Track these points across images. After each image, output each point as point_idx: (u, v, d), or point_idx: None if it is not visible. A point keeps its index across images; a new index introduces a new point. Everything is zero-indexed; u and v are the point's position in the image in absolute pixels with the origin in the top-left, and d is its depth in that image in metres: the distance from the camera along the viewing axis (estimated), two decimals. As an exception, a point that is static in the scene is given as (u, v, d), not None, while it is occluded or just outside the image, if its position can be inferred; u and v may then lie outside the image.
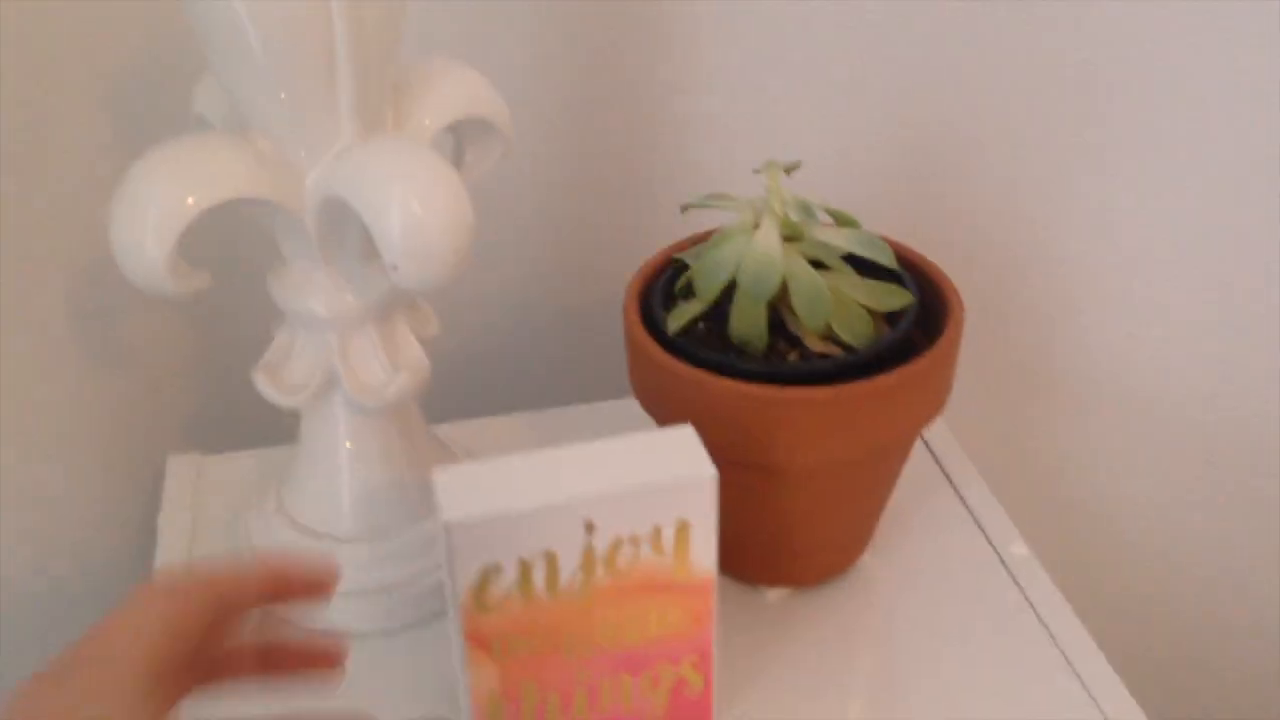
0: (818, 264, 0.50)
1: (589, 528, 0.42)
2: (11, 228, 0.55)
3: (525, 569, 0.42)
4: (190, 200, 0.40)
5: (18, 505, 0.60)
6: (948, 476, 0.62)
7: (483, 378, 0.69)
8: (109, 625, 0.34)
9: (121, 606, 0.35)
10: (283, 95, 0.42)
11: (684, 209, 0.52)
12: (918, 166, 0.67)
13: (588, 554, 0.42)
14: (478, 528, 0.41)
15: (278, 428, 0.54)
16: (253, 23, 0.40)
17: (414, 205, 0.42)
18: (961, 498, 0.60)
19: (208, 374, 0.62)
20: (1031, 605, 0.54)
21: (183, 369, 0.62)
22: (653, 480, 0.42)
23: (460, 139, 0.50)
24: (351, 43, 0.42)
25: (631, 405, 0.52)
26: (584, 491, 0.42)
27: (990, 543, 0.58)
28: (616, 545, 0.43)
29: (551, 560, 0.42)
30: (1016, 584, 0.55)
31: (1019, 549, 0.57)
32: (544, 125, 0.62)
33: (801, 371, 0.48)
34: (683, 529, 0.43)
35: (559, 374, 0.69)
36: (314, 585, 0.38)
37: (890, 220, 0.55)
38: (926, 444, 0.64)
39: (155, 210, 0.40)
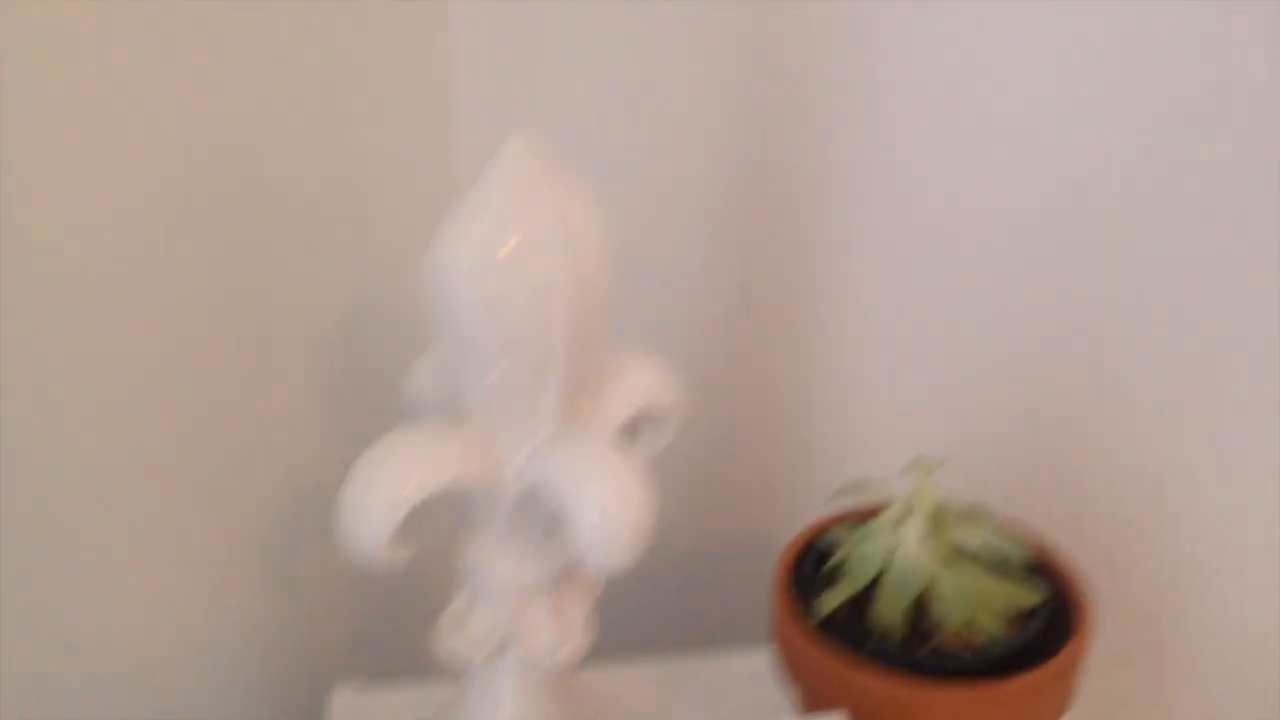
0: (958, 557, 0.54)
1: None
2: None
3: None
4: (413, 488, 0.45)
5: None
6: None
7: (637, 617, 0.73)
8: None
9: None
10: (495, 386, 0.47)
11: (832, 498, 0.57)
12: (1052, 457, 0.71)
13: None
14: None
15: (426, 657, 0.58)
16: (481, 326, 0.45)
17: (610, 505, 0.46)
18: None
19: (367, 604, 0.67)
20: None
21: (343, 599, 0.67)
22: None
23: (637, 423, 0.55)
24: (565, 345, 0.47)
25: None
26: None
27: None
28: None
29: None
30: None
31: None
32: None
33: (939, 668, 0.51)
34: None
35: (691, 616, 0.72)
36: None
37: (1024, 509, 0.59)
38: None
39: (384, 498, 0.45)
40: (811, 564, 0.56)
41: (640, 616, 0.73)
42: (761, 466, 0.71)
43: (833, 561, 0.55)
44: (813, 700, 0.53)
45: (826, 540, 0.57)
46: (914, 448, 0.69)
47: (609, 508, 0.46)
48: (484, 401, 0.48)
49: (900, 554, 0.52)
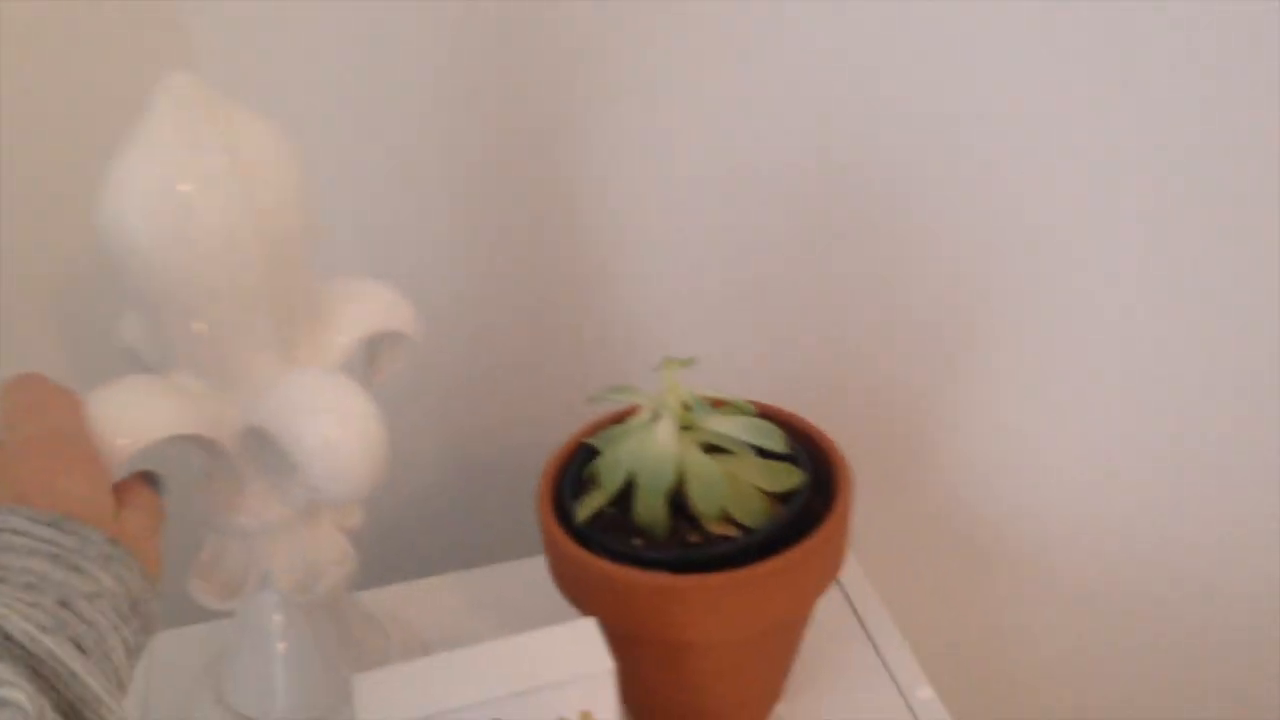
0: (717, 449, 0.54)
1: (498, 725, 0.46)
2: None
3: (440, 766, 0.46)
4: (121, 443, 0.44)
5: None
6: (861, 622, 0.65)
7: (416, 538, 0.73)
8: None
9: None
10: (200, 333, 0.46)
11: (590, 400, 0.56)
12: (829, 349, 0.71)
13: (500, 748, 0.46)
14: (393, 733, 0.45)
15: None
16: (167, 274, 0.44)
17: (332, 436, 0.46)
18: (874, 644, 0.64)
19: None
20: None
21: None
22: (554, 678, 0.46)
23: (374, 346, 0.54)
24: (263, 283, 0.45)
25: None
26: (490, 693, 0.45)
27: (898, 688, 0.61)
28: (527, 737, 0.46)
29: (465, 756, 0.46)
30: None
31: (924, 693, 0.61)
32: (476, 295, 0.67)
33: (699, 557, 0.51)
34: (585, 718, 0.47)
35: (488, 532, 0.73)
36: None
37: (802, 399, 0.60)
38: (844, 591, 0.67)
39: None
40: (578, 467, 0.56)
41: (430, 538, 0.74)
42: (538, 380, 0.71)
43: (589, 467, 0.55)
44: (586, 602, 0.53)
45: (590, 446, 0.57)
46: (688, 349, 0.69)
47: (331, 436, 0.46)
48: (194, 349, 0.47)
49: (649, 451, 0.52)
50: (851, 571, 0.68)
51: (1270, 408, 0.74)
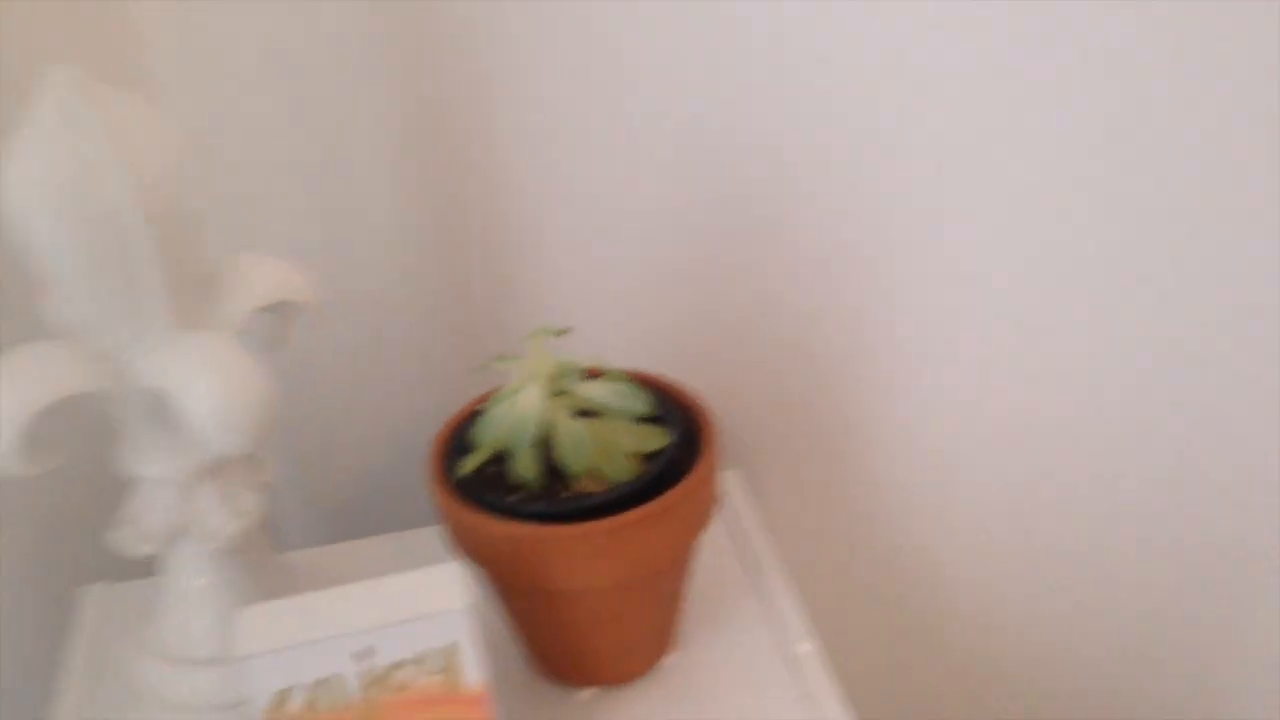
0: (590, 414, 0.59)
1: (363, 655, 0.51)
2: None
3: (313, 691, 0.51)
4: (21, 405, 0.50)
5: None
6: (750, 568, 0.70)
7: (367, 501, 0.79)
8: None
9: None
10: (98, 303, 0.51)
11: (480, 368, 0.61)
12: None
13: (368, 676, 0.51)
14: (267, 658, 0.50)
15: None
16: (64, 251, 0.50)
17: (216, 392, 0.51)
18: (760, 591, 0.68)
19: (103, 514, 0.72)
20: (813, 702, 0.62)
21: (81, 512, 0.72)
22: (415, 613, 0.51)
23: (276, 316, 0.59)
24: (149, 256, 0.51)
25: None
26: (358, 624, 0.50)
27: (780, 639, 0.65)
28: (395, 667, 0.51)
29: (337, 682, 0.51)
30: (800, 680, 0.63)
31: (806, 646, 0.65)
32: (404, 278, 0.73)
33: (566, 510, 0.56)
34: (450, 652, 0.52)
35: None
36: None
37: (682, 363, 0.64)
38: (737, 531, 0.72)
39: (-2, 414, 0.50)
40: (463, 435, 0.61)
41: (372, 505, 0.79)
42: (459, 351, 0.76)
43: (472, 430, 0.59)
44: (470, 554, 0.58)
45: (483, 408, 0.61)
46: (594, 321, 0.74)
47: (212, 393, 0.51)
48: (88, 316, 0.52)
49: (515, 413, 0.57)
50: (745, 523, 0.73)
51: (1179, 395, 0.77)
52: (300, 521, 0.79)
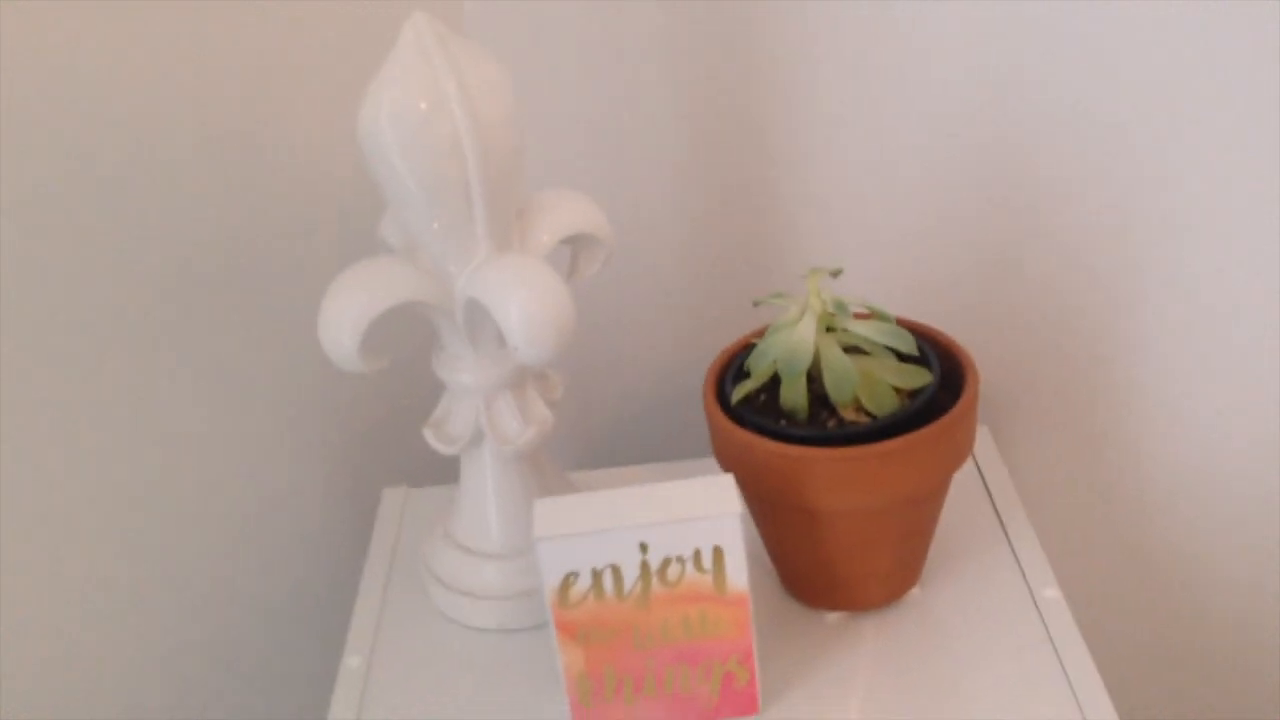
0: (857, 350, 0.63)
1: (643, 548, 0.56)
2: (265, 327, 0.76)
3: (597, 577, 0.57)
4: (371, 304, 0.58)
5: (257, 514, 0.80)
6: (998, 515, 0.72)
7: (633, 432, 0.85)
8: None
9: None
10: (435, 225, 0.59)
11: (755, 304, 0.66)
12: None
13: (644, 568, 0.57)
14: (559, 542, 0.56)
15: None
16: (410, 177, 0.57)
17: (528, 305, 0.58)
18: (1008, 537, 0.71)
19: (410, 425, 0.81)
20: (1055, 647, 0.64)
21: (389, 420, 0.81)
22: (691, 514, 0.56)
23: (575, 249, 0.66)
24: (482, 186, 0.58)
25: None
26: (640, 520, 0.56)
27: (1027, 583, 0.68)
28: (667, 563, 0.57)
29: (616, 571, 0.57)
30: (1044, 625, 0.65)
31: (1052, 592, 0.67)
32: (683, 221, 0.78)
33: (829, 435, 0.60)
34: (718, 553, 0.57)
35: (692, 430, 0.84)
36: None
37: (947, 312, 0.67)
38: (984, 482, 0.74)
39: (347, 313, 0.58)
40: (743, 360, 0.66)
41: (646, 431, 0.85)
42: (742, 285, 0.81)
43: (747, 359, 0.64)
44: (737, 471, 0.63)
45: (756, 341, 0.66)
46: (876, 270, 0.77)
47: (527, 308, 0.58)
48: (429, 240, 0.60)
49: (789, 343, 0.61)
50: (994, 474, 0.75)
51: None
52: (569, 447, 0.86)
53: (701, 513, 0.56)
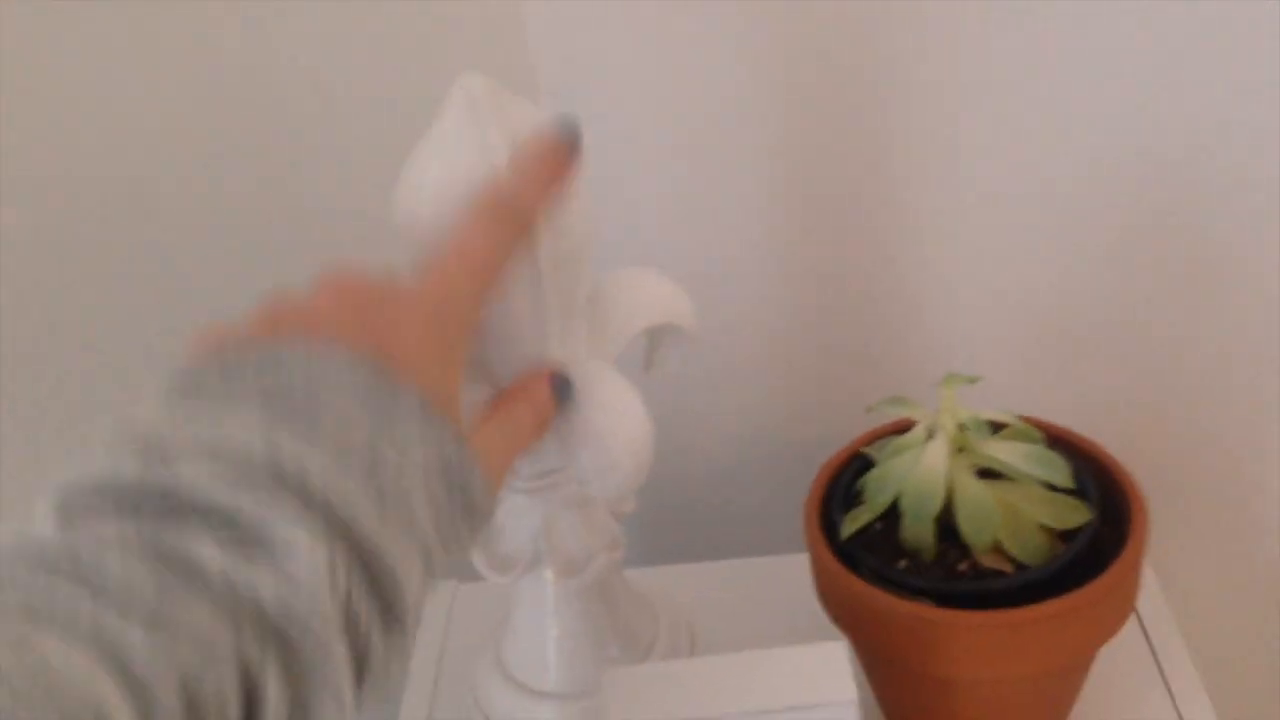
0: (995, 475, 0.51)
1: (738, 738, 0.46)
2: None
3: (680, 769, 0.46)
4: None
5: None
6: (1160, 670, 0.60)
7: (691, 522, 0.74)
8: (451, 278, 0.39)
9: (450, 263, 0.39)
10: (489, 320, 0.48)
11: (868, 410, 0.55)
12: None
13: (738, 760, 0.46)
14: (635, 730, 0.46)
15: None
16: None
17: (603, 433, 0.47)
18: (1171, 695, 0.59)
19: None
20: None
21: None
22: (797, 701, 0.45)
23: (653, 339, 0.55)
24: (546, 274, 0.47)
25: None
26: (733, 708, 0.46)
27: (1192, 746, 0.56)
28: (766, 754, 0.46)
29: (704, 763, 0.46)
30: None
31: (1221, 758, 0.56)
32: (773, 294, 0.67)
33: (966, 590, 0.49)
34: (827, 743, 0.46)
35: (757, 524, 0.73)
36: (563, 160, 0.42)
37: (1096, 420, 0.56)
38: (1143, 627, 0.62)
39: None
40: (851, 478, 0.55)
41: (703, 524, 0.74)
42: (825, 382, 0.69)
43: (861, 480, 0.53)
44: (844, 619, 0.52)
45: (865, 457, 0.55)
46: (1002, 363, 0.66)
47: (602, 433, 0.47)
48: (483, 336, 0.49)
49: (917, 472, 0.50)
50: (1156, 612, 0.63)
51: None
52: (637, 538, 0.76)
53: (811, 699, 0.45)
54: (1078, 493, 0.51)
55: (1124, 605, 0.51)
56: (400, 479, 0.32)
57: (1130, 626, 0.62)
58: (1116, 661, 0.60)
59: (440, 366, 0.37)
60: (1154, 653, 0.61)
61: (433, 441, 0.34)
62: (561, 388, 0.44)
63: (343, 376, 0.33)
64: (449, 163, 0.45)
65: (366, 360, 0.34)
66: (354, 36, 0.61)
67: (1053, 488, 0.51)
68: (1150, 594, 0.64)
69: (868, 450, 0.55)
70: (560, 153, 0.42)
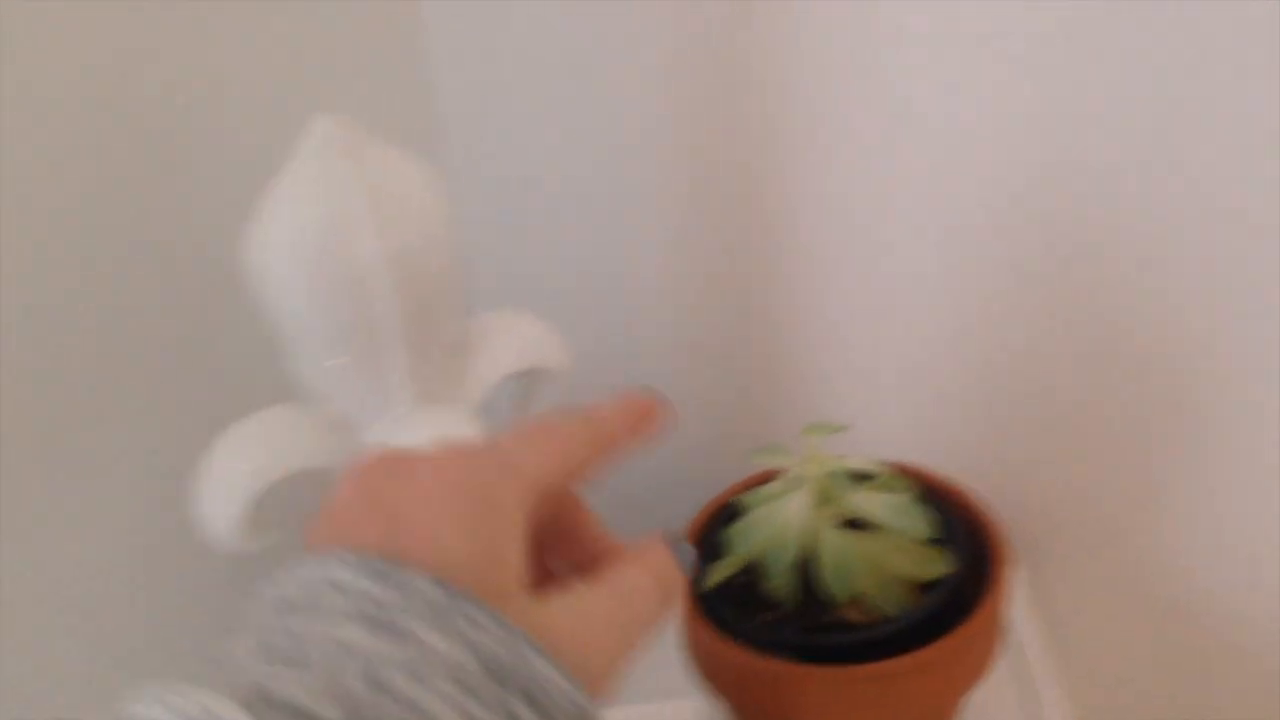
0: (859, 524, 0.51)
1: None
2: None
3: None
4: (254, 475, 0.46)
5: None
6: (1027, 704, 0.60)
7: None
8: (511, 443, 0.35)
9: (516, 434, 0.35)
10: (341, 371, 0.47)
11: (752, 456, 0.54)
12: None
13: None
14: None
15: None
16: (309, 313, 0.45)
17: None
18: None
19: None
20: None
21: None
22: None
23: (527, 381, 0.54)
24: (399, 310, 0.46)
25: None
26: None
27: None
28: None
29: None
30: None
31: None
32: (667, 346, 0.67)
33: (826, 644, 0.49)
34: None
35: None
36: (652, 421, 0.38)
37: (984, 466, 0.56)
38: (1025, 673, 0.62)
39: (223, 488, 0.46)
40: (720, 527, 0.54)
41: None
42: (714, 425, 0.69)
43: (725, 530, 0.53)
44: (703, 672, 0.51)
45: (739, 504, 0.54)
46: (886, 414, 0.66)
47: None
48: (330, 383, 0.48)
49: (778, 523, 0.49)
50: (1025, 642, 0.63)
51: None
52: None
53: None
54: (944, 542, 0.51)
55: (986, 654, 0.50)
56: (416, 706, 0.28)
57: (1010, 672, 0.62)
58: (988, 709, 0.61)
59: (466, 535, 0.32)
60: (1037, 698, 0.61)
61: (459, 637, 0.29)
62: (682, 552, 0.37)
63: (343, 597, 0.30)
64: (294, 218, 0.44)
65: (371, 566, 0.30)
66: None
67: (919, 538, 0.51)
68: (1032, 637, 0.64)
69: (739, 499, 0.55)
70: (652, 410, 0.39)
